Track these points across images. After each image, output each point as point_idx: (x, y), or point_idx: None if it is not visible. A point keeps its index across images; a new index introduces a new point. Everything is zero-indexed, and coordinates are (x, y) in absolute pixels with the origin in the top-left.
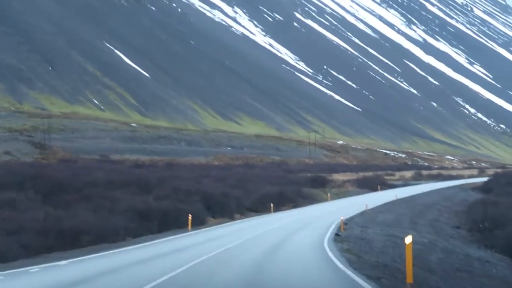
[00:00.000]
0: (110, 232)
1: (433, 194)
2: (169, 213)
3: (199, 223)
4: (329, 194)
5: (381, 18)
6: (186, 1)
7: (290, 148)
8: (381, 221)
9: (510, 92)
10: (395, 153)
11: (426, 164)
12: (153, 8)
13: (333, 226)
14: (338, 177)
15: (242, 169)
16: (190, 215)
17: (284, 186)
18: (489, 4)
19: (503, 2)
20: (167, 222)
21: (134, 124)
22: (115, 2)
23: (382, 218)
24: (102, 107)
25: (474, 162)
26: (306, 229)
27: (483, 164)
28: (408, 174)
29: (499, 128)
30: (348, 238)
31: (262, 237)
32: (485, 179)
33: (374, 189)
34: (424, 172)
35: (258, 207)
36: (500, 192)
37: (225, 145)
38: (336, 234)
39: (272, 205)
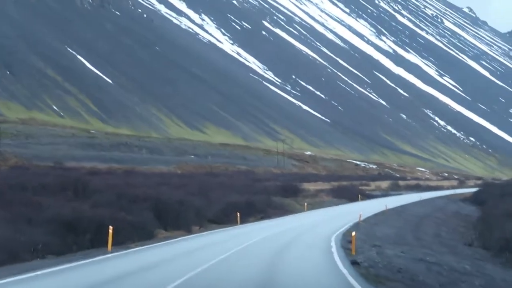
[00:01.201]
0: (23, 248)
1: (422, 205)
2: (104, 225)
3: (145, 237)
4: (306, 204)
5: (350, 28)
6: (152, 8)
7: (257, 158)
8: (383, 237)
9: (480, 105)
10: (366, 164)
11: (398, 175)
12: (117, 13)
13: (332, 244)
14: (310, 186)
15: (205, 177)
16: (111, 227)
17: (252, 195)
18: (459, 16)
19: (473, 15)
20: (102, 236)
21: (93, 131)
22: (79, 6)
23: (381, 232)
24: (62, 113)
25: (446, 174)
26: (294, 250)
27: (455, 177)
28: (384, 184)
29: (468, 141)
30: (376, 269)
31: (220, 270)
32: (470, 190)
33: (352, 199)
34: (401, 183)
35: (222, 218)
36: (497, 204)
37: (189, 153)
38: (354, 262)
39: (238, 215)
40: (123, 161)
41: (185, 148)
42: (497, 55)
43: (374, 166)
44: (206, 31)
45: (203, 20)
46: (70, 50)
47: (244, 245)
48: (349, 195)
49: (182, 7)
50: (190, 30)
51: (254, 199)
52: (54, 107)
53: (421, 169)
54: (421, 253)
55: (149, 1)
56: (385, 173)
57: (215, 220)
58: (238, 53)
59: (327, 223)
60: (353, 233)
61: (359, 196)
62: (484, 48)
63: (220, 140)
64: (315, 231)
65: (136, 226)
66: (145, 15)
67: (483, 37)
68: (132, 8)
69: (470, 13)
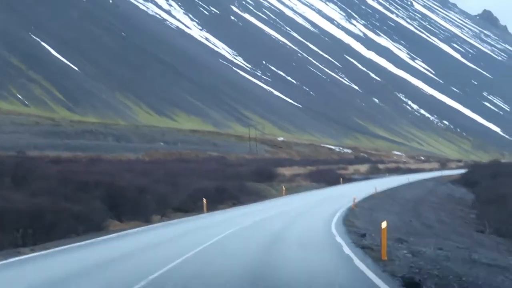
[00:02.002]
0: None
1: (412, 188)
2: (44, 216)
3: (94, 228)
4: (283, 188)
5: (320, 12)
6: None
7: (229, 144)
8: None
9: (453, 88)
10: (340, 148)
11: (374, 159)
12: None
13: (340, 241)
14: (285, 171)
15: (174, 164)
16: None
17: (224, 181)
18: None
19: None
20: (44, 229)
21: (58, 119)
22: None
23: (384, 219)
24: (26, 102)
25: (422, 158)
26: (282, 259)
27: (431, 160)
28: (362, 168)
29: (442, 125)
30: None
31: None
32: (456, 172)
33: (332, 183)
34: (381, 166)
35: (189, 206)
36: (490, 185)
37: (157, 140)
38: (410, 284)
39: (205, 202)
40: (88, 149)
41: (153, 135)
42: (468, 37)
43: (349, 151)
44: (174, 17)
45: (170, 5)
46: (35, 38)
47: (199, 249)
48: (328, 179)
49: None
50: (158, 16)
51: (225, 185)
52: (19, 95)
53: (397, 152)
54: (451, 247)
55: None
56: (361, 157)
57: (181, 208)
58: (207, 39)
59: (315, 210)
60: (383, 224)
61: (341, 179)
62: (455, 30)
63: (190, 127)
64: (305, 221)
65: (81, 217)
66: (110, 1)
67: (454, 19)
68: None
69: None
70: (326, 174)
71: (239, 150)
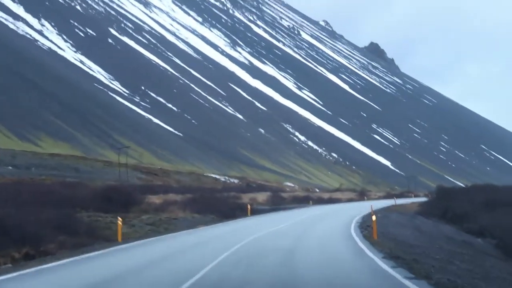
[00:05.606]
0: None
1: (391, 225)
2: None
3: None
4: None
5: (204, 39)
6: None
7: (95, 169)
8: None
9: (342, 120)
10: (227, 178)
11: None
12: None
13: None
14: (156, 199)
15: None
16: None
17: (40, 208)
18: (316, 29)
19: (330, 29)
20: None
21: None
22: None
23: None
24: None
25: (317, 190)
26: None
27: (343, 189)
28: (261, 196)
29: (331, 157)
30: None
31: None
32: (410, 200)
33: (228, 216)
34: (285, 195)
35: None
36: (493, 221)
37: (5, 164)
38: None
39: None
40: None
41: (0, 158)
42: (356, 68)
43: (236, 181)
44: (46, 38)
45: (43, 25)
46: None
47: None
48: (220, 209)
49: (20, 11)
50: (28, 36)
51: (26, 217)
52: None
53: (289, 184)
54: None
55: None
56: (254, 186)
57: None
58: (81, 61)
59: None
60: None
61: (249, 207)
62: (343, 61)
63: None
64: None
65: None
66: None
67: (341, 50)
68: None
69: (326, 26)
70: (217, 203)
71: (106, 176)
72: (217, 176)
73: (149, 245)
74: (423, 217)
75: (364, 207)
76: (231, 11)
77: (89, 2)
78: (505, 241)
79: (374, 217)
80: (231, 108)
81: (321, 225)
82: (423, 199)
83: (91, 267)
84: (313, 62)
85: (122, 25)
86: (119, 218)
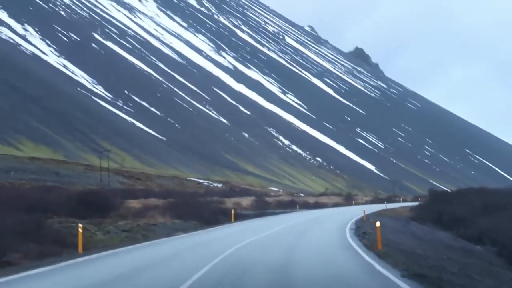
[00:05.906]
0: None
1: (396, 231)
2: None
3: None
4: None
5: (188, 43)
6: None
7: (76, 174)
8: None
9: (326, 124)
10: (210, 182)
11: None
12: None
13: None
14: (136, 204)
15: None
16: None
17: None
18: (301, 34)
19: (315, 34)
20: None
21: None
22: None
23: None
24: None
25: (302, 194)
26: None
27: (329, 193)
28: (245, 201)
29: (315, 162)
30: None
31: None
32: (400, 204)
33: (209, 222)
34: (269, 199)
35: None
36: (493, 226)
37: None
38: None
39: None
40: None
41: None
42: (341, 73)
43: (219, 185)
44: (29, 42)
45: (26, 30)
46: None
47: None
48: (202, 214)
49: (3, 16)
50: (11, 40)
51: None
52: None
53: (274, 188)
54: None
55: None
56: (238, 190)
57: None
58: (64, 66)
59: None
60: None
61: (233, 212)
62: (328, 66)
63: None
64: None
65: None
66: None
67: (326, 55)
68: None
69: (311, 31)
70: (200, 208)
71: (88, 181)
72: (200, 180)
73: (109, 258)
74: (417, 222)
75: (354, 212)
76: (215, 16)
77: (73, 7)
78: (508, 249)
79: (378, 224)
80: (215, 112)
81: (314, 232)
82: (412, 203)
83: None
84: (297, 67)
85: (106, 30)
86: (80, 225)
